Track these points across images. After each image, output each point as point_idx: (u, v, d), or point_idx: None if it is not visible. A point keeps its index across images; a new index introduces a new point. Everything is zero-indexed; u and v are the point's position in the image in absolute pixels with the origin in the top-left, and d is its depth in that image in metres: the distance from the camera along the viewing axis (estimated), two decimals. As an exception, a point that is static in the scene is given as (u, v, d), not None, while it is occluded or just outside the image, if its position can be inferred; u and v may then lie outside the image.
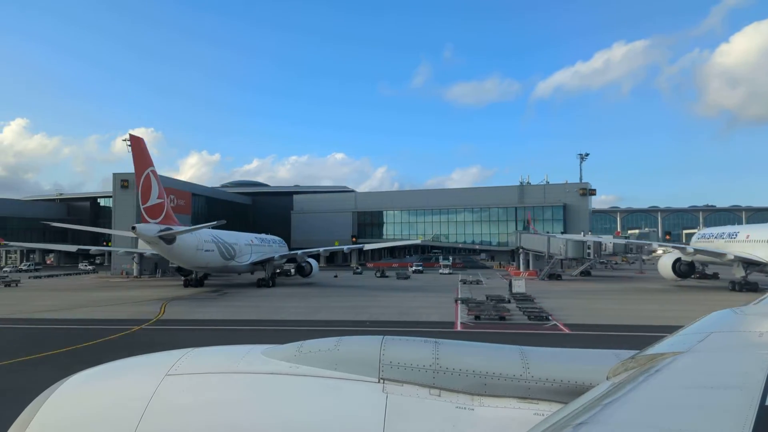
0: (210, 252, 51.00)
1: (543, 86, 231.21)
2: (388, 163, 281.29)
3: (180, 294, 48.19)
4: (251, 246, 59.35)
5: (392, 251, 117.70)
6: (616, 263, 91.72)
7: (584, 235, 69.27)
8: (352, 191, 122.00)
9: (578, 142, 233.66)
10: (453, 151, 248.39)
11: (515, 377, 3.57)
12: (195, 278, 55.88)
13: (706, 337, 3.21)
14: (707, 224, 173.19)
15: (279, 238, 73.18)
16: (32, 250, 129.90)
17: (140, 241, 75.60)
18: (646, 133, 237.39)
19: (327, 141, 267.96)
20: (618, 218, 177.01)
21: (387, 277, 71.18)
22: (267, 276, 56.22)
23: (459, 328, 28.59)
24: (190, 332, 28.15)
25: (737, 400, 2.09)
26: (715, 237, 53.33)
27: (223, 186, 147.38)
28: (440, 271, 78.78)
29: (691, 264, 48.79)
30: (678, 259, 48.87)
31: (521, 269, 73.90)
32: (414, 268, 78.98)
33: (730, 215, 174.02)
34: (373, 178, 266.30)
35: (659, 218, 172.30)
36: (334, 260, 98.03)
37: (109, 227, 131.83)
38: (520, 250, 75.27)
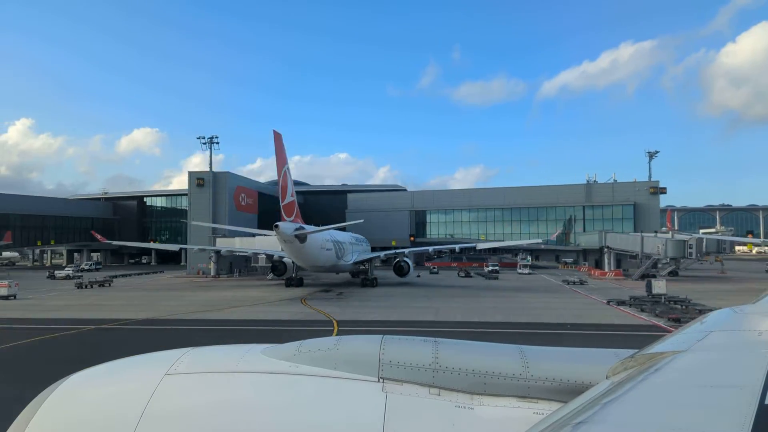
0: (329, 251, 50.00)
1: (549, 86, 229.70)
2: (391, 162, 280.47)
3: (297, 294, 46.94)
4: (352, 245, 58.28)
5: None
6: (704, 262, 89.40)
7: (657, 235, 67.69)
8: (404, 189, 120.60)
9: (581, 141, 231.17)
10: (457, 151, 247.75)
11: (515, 376, 3.54)
12: (296, 278, 54.78)
13: (705, 336, 3.21)
14: (725, 224, 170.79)
15: (363, 237, 72.07)
16: (77, 250, 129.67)
17: (218, 240, 74.97)
18: (651, 132, 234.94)
19: (331, 141, 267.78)
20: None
21: (471, 276, 69.83)
22: (371, 275, 55.03)
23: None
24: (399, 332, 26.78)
25: (737, 398, 2.09)
26: None
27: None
28: (518, 271, 77.31)
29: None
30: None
31: (606, 270, 72.37)
32: (490, 268, 77.55)
33: (748, 215, 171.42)
34: (375, 177, 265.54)
35: (676, 217, 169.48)
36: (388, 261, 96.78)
37: (161, 226, 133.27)
38: (605, 249, 73.61)
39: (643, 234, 66.93)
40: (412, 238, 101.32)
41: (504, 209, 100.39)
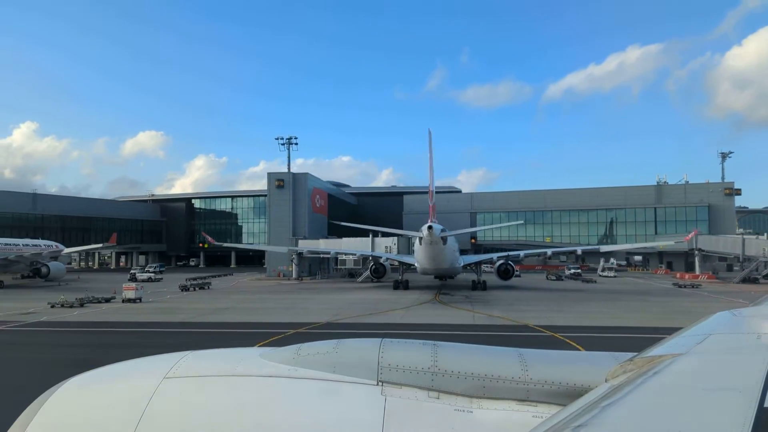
0: (456, 253, 48.94)
1: (554, 88, 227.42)
2: (393, 165, 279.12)
3: (421, 297, 45.75)
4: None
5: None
6: None
7: (758, 237, 66.03)
8: (459, 191, 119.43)
9: (586, 144, 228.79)
10: (460, 154, 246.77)
11: (514, 379, 3.52)
12: (403, 281, 53.72)
13: (704, 338, 3.21)
14: (742, 225, 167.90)
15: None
16: (124, 252, 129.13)
17: (300, 242, 73.95)
18: (656, 136, 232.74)
19: (334, 143, 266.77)
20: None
21: (563, 279, 68.53)
22: (481, 278, 53.91)
23: None
24: (607, 339, 25.57)
25: (736, 401, 2.09)
26: None
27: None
28: (600, 273, 75.85)
29: None
30: None
31: (698, 272, 70.81)
32: (572, 271, 76.08)
33: (765, 216, 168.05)
34: (378, 179, 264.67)
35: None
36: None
37: (209, 229, 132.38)
38: (696, 252, 72.05)
39: (744, 236, 65.37)
40: (473, 241, 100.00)
41: (571, 211, 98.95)
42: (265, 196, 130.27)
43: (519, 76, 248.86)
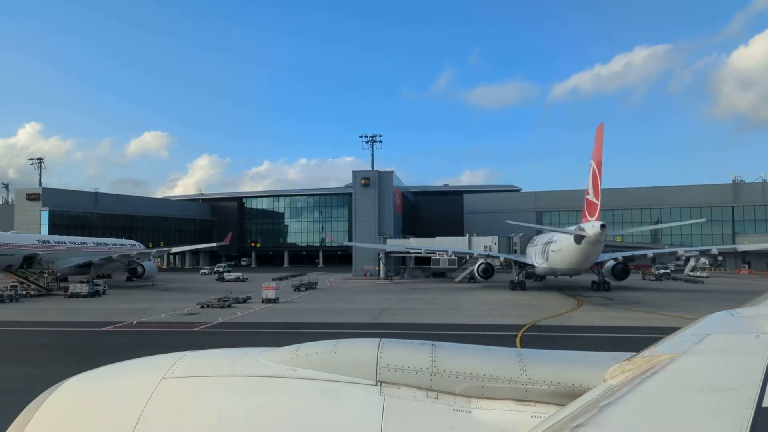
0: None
1: (559, 88, 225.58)
2: (396, 164, 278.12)
3: (557, 299, 44.57)
4: None
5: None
6: None
7: None
8: (518, 189, 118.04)
9: (588, 144, 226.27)
10: (463, 153, 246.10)
11: (513, 379, 3.53)
12: (519, 281, 52.48)
13: (702, 339, 3.22)
14: None
15: None
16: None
17: (388, 240, 72.82)
18: (657, 135, 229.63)
19: (338, 144, 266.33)
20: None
21: (662, 279, 67.05)
22: (600, 278, 52.53)
23: None
24: None
25: (734, 402, 2.10)
26: None
27: (346, 186, 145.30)
28: (689, 273, 74.21)
29: None
30: None
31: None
32: (661, 271, 74.46)
33: None
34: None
35: None
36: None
37: (261, 228, 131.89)
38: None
39: None
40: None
41: (642, 209, 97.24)
42: (319, 195, 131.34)
43: (526, 76, 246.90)
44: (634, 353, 3.33)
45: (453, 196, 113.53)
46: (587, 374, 3.46)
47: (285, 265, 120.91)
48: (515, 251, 60.27)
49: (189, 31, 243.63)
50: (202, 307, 39.00)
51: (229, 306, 39.23)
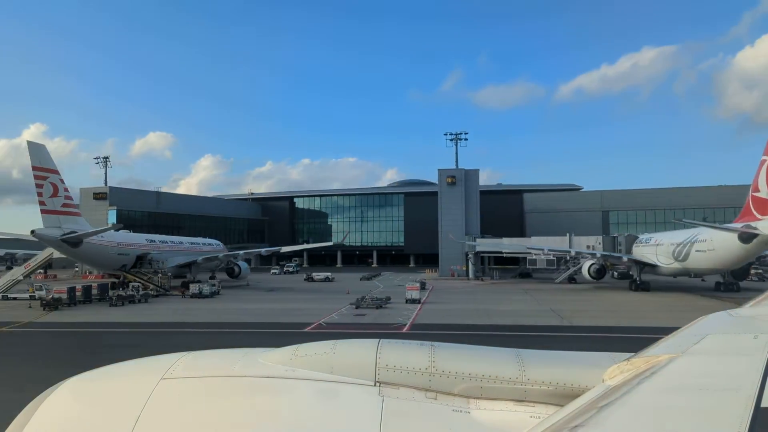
0: None
1: (565, 89, 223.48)
2: (398, 164, 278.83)
3: (701, 302, 43.47)
4: None
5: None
6: None
7: None
8: (580, 188, 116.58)
9: (590, 145, 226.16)
10: (467, 153, 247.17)
11: (511, 380, 3.52)
12: (642, 282, 51.41)
13: (701, 339, 3.22)
14: None
15: None
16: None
17: (478, 240, 71.81)
18: (662, 136, 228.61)
19: (341, 144, 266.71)
20: None
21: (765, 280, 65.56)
22: (726, 278, 51.29)
23: None
24: None
25: (733, 402, 2.11)
26: None
27: (390, 185, 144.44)
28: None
29: None
30: None
31: None
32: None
33: None
34: (383, 179, 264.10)
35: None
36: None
37: (311, 228, 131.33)
38: None
39: None
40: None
41: (715, 209, 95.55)
42: (371, 194, 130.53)
43: (531, 77, 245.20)
44: (632, 354, 3.31)
45: (512, 195, 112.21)
46: (586, 375, 3.44)
47: (338, 265, 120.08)
48: (620, 251, 58.94)
49: (197, 36, 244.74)
50: (357, 307, 38.30)
51: (381, 307, 38.48)
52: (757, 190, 39.33)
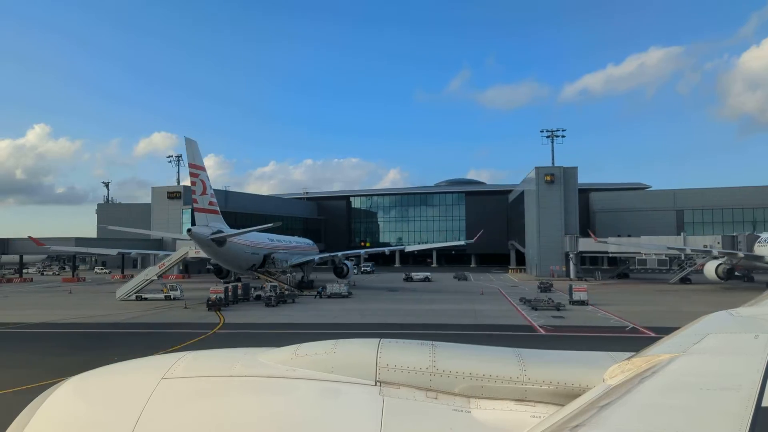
0: None
1: (570, 89, 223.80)
2: (401, 164, 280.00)
3: None
4: None
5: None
6: None
7: None
8: (647, 187, 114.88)
9: (593, 146, 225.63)
10: (469, 153, 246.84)
11: (512, 379, 3.50)
12: None
13: (702, 339, 3.22)
14: None
15: None
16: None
17: (580, 240, 70.65)
18: (665, 137, 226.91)
19: (344, 145, 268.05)
20: None
21: None
22: None
23: None
24: None
25: (734, 401, 2.12)
26: None
27: (437, 185, 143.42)
28: None
29: None
30: None
31: None
32: None
33: None
34: (385, 180, 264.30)
35: None
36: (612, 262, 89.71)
37: (367, 228, 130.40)
38: None
39: None
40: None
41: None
42: (428, 193, 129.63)
43: (538, 78, 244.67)
44: (633, 353, 3.30)
45: (580, 195, 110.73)
46: (587, 374, 3.41)
47: (396, 265, 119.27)
48: (740, 250, 57.65)
49: (208, 43, 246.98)
50: (534, 308, 37.45)
51: (559, 308, 37.52)
52: None
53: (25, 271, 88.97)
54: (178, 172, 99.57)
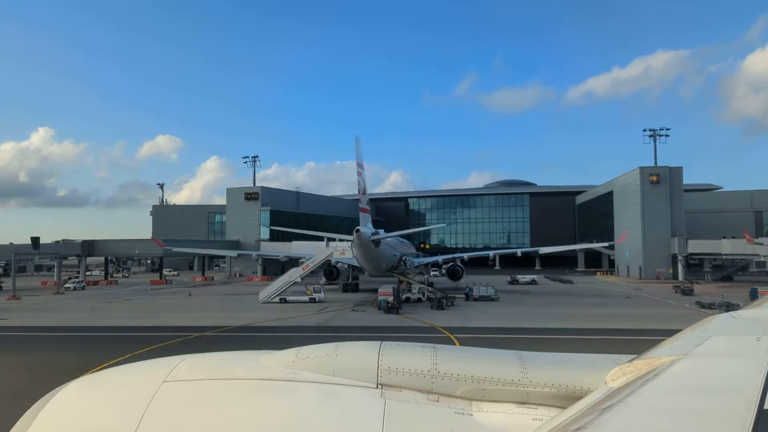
0: None
1: (574, 92, 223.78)
2: (403, 166, 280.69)
3: None
4: None
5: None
6: None
7: None
8: (719, 188, 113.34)
9: (594, 146, 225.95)
10: (471, 155, 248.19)
11: (514, 382, 3.50)
12: None
13: (703, 341, 3.21)
14: None
15: None
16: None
17: (690, 242, 69.60)
18: (668, 138, 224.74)
19: (345, 147, 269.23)
20: None
21: None
22: None
23: None
24: None
25: (736, 404, 2.11)
26: None
27: (486, 186, 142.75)
28: None
29: None
30: None
31: None
32: None
33: None
34: (386, 182, 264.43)
35: None
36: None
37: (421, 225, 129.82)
38: None
39: None
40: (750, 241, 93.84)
41: None
42: (489, 194, 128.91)
43: (543, 81, 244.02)
44: (635, 355, 3.28)
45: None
46: (588, 377, 3.38)
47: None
48: None
49: (213, 44, 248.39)
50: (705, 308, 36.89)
51: (728, 307, 36.84)
52: None
53: (89, 273, 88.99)
54: (254, 173, 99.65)
